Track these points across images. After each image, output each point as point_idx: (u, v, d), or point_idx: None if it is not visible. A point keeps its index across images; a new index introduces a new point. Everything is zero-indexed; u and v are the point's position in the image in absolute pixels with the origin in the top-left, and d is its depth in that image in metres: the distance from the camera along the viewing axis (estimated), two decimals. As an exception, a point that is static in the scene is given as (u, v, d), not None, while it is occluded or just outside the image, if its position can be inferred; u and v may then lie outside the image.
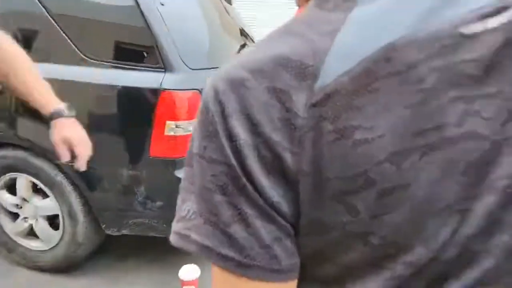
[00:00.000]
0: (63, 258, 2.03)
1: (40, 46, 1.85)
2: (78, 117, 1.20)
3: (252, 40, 2.85)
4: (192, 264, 1.97)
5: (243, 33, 2.78)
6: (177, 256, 2.26)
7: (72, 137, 1.08)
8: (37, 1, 1.80)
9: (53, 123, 1.08)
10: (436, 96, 0.31)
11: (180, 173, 1.83)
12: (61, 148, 1.09)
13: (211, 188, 0.35)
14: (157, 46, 1.78)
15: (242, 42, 2.63)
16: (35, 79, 1.08)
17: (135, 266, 2.19)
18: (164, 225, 1.90)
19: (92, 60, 1.80)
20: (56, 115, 1.08)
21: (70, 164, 1.14)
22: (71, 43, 1.80)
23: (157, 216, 1.90)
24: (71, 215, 1.93)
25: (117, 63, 1.81)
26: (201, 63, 1.98)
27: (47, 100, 1.07)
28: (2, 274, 2.04)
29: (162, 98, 1.76)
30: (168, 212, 1.83)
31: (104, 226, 1.95)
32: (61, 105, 1.10)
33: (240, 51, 2.46)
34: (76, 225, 1.94)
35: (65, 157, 1.10)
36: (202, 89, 1.90)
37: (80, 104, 1.77)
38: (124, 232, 1.98)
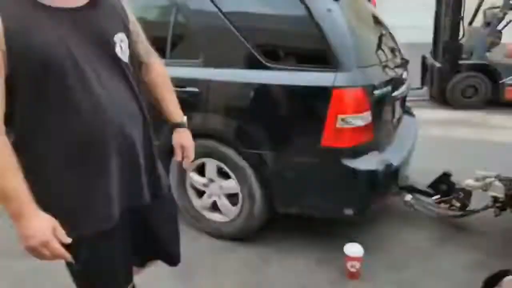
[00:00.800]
0: (240, 229, 2.42)
1: (227, 55, 2.22)
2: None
3: (387, 27, 2.90)
4: (355, 243, 2.21)
5: (377, 21, 2.84)
6: (339, 235, 2.53)
7: (186, 144, 1.43)
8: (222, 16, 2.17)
9: (176, 130, 1.43)
10: None
11: (346, 162, 2.07)
12: (178, 150, 1.44)
13: None
14: (329, 49, 2.01)
15: (379, 33, 2.72)
16: (170, 95, 1.41)
17: (300, 240, 2.51)
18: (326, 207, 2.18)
19: (272, 65, 2.12)
20: (179, 126, 1.43)
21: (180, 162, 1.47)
22: (254, 51, 2.14)
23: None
24: (250, 195, 2.29)
25: (294, 67, 2.10)
26: (364, 61, 2.17)
27: (175, 113, 1.42)
28: (193, 239, 2.51)
29: (335, 95, 1.99)
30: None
31: (276, 205, 2.29)
32: (183, 119, 1.44)
33: (380, 42, 2.57)
34: (253, 203, 2.31)
35: (179, 157, 1.45)
36: (366, 85, 2.09)
37: (265, 103, 2.15)
38: (292, 211, 2.30)
